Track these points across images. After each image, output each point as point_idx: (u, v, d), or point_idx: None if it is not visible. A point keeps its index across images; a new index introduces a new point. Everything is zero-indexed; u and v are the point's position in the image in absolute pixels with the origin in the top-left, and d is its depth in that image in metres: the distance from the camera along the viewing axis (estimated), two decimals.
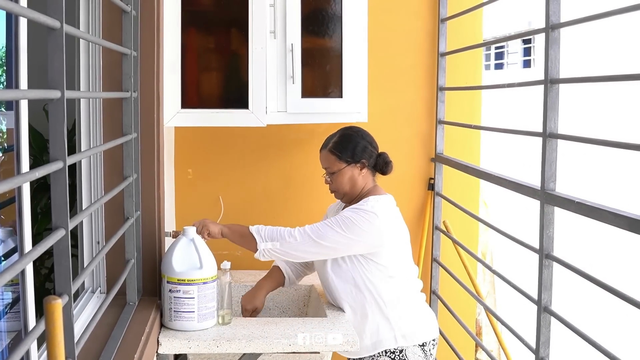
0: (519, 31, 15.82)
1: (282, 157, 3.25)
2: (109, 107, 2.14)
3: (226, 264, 2.31)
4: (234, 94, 2.80)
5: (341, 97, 2.95)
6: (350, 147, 2.48)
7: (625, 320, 5.31)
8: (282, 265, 2.63)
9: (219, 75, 2.88)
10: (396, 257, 2.45)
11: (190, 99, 2.70)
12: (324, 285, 2.54)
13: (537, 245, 2.27)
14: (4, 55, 1.92)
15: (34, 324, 1.32)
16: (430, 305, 2.79)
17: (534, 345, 2.30)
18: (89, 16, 2.10)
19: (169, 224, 2.91)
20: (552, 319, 2.24)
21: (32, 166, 1.33)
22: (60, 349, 1.10)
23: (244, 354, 2.23)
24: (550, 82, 2.19)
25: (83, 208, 2.14)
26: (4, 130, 2.13)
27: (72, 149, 1.83)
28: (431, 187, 3.34)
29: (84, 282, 2.15)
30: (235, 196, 3.21)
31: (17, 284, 1.44)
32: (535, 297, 2.28)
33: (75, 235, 2.22)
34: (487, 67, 21.40)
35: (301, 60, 2.88)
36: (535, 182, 2.34)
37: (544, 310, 2.24)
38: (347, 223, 2.35)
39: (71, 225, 1.31)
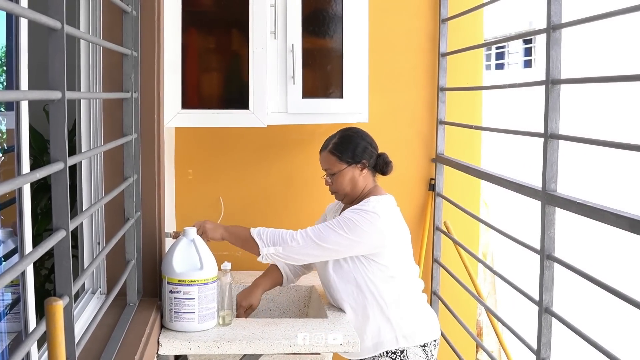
0: (519, 31, 15.83)
1: (282, 158, 3.25)
2: (109, 108, 2.14)
3: (227, 265, 2.30)
4: (235, 95, 2.80)
5: (342, 97, 2.95)
6: (350, 147, 2.48)
7: (627, 321, 5.30)
8: (281, 265, 2.63)
9: (219, 75, 2.87)
10: (398, 257, 2.45)
11: (191, 100, 2.70)
12: (325, 286, 2.53)
13: (538, 246, 2.27)
14: (4, 55, 1.91)
15: (34, 325, 1.32)
16: (430, 306, 2.78)
17: (535, 346, 2.30)
18: (90, 16, 2.10)
19: (169, 225, 2.90)
20: (553, 319, 2.23)
21: (32, 167, 1.33)
22: (62, 350, 1.09)
23: (245, 355, 2.23)
24: (551, 83, 2.18)
25: (83, 209, 2.14)
26: (4, 131, 2.13)
27: (72, 149, 1.82)
28: (432, 187, 3.34)
29: (84, 283, 2.14)
30: (236, 197, 3.20)
31: (17, 284, 1.44)
32: (537, 297, 2.28)
33: (75, 235, 2.21)
34: (488, 67, 21.39)
35: (302, 60, 2.88)
36: (536, 182, 2.33)
37: (545, 311, 2.24)
38: (348, 224, 2.35)
39: (72, 226, 1.31)
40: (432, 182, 3.34)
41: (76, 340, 1.37)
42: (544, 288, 2.24)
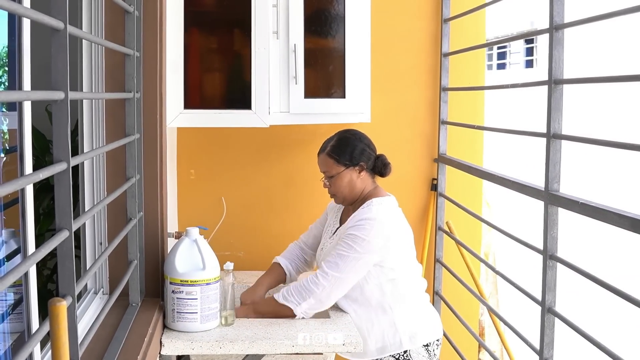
0: (521, 31, 15.82)
1: (284, 158, 3.25)
2: (111, 108, 2.14)
3: (229, 265, 2.30)
4: (237, 95, 2.80)
5: (344, 97, 2.95)
6: (348, 150, 2.47)
7: (630, 322, 5.30)
8: (283, 262, 2.63)
9: (221, 75, 2.87)
10: (402, 258, 2.45)
11: (193, 100, 2.70)
12: None
13: (540, 246, 2.26)
14: (6, 55, 1.91)
15: (37, 325, 1.32)
16: (433, 306, 2.78)
17: (537, 347, 2.29)
18: (92, 17, 2.10)
19: (172, 225, 2.90)
20: (556, 320, 2.23)
21: (35, 167, 1.33)
22: (65, 350, 1.09)
23: (247, 355, 2.23)
24: (554, 83, 2.18)
25: (86, 209, 2.14)
26: (6, 131, 2.13)
27: (75, 149, 1.82)
28: (434, 187, 3.33)
29: (86, 283, 2.14)
30: (238, 196, 3.20)
31: (20, 285, 1.44)
32: (539, 298, 2.27)
33: (77, 236, 2.21)
34: (490, 67, 21.40)
35: (304, 60, 2.88)
36: (539, 182, 2.33)
37: (547, 311, 2.23)
38: (357, 242, 2.34)
39: (75, 226, 1.31)
40: (435, 182, 3.33)
41: (79, 341, 1.37)
42: (547, 288, 2.23)
